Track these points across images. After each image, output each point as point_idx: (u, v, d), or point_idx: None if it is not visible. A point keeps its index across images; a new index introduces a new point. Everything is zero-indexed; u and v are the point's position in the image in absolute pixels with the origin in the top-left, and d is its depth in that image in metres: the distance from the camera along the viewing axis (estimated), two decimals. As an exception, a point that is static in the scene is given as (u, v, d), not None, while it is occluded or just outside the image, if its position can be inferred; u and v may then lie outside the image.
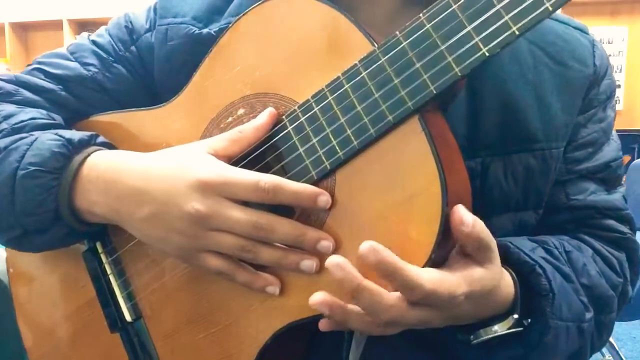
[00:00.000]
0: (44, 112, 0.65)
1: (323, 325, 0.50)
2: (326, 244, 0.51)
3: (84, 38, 0.72)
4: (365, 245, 0.45)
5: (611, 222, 0.66)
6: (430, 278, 0.46)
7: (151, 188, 0.54)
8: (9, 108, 0.65)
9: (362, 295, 0.46)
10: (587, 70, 0.64)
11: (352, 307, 0.48)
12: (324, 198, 0.51)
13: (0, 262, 0.92)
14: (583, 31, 0.67)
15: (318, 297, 0.47)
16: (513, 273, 0.56)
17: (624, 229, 0.67)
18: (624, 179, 0.69)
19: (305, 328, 0.55)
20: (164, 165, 0.55)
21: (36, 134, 0.61)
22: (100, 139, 0.63)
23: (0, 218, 0.61)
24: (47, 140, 0.59)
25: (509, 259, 0.57)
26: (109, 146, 0.63)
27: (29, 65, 0.71)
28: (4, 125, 0.62)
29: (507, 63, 0.61)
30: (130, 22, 0.70)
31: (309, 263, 0.52)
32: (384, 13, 0.64)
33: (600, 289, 0.62)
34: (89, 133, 0.62)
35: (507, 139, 0.61)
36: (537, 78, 0.62)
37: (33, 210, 0.59)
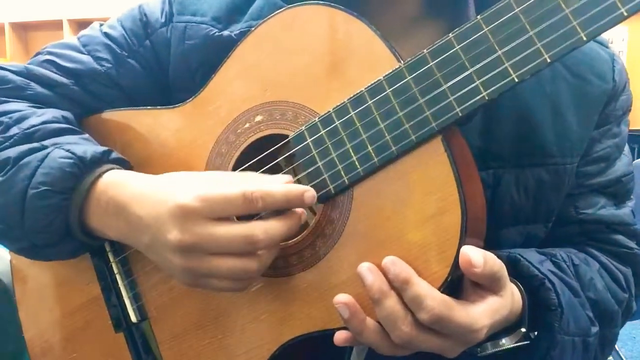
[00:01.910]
0: (57, 113, 0.63)
1: (339, 339, 0.50)
2: (310, 194, 0.51)
3: (95, 29, 0.70)
4: (388, 259, 0.47)
5: (619, 237, 0.67)
6: (443, 302, 0.46)
7: (144, 216, 0.52)
8: (21, 107, 0.63)
9: (387, 302, 0.47)
10: (606, 86, 0.64)
11: (369, 319, 0.49)
12: (310, 194, 0.51)
13: (0, 262, 0.91)
14: (603, 44, 0.66)
15: (342, 298, 0.49)
16: (521, 286, 0.56)
17: (631, 244, 0.67)
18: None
19: (312, 341, 0.55)
20: (152, 191, 0.53)
21: (49, 146, 0.59)
22: (114, 154, 0.60)
23: (10, 231, 0.60)
24: (59, 157, 0.57)
25: (518, 272, 0.57)
26: (122, 162, 0.61)
27: (39, 53, 0.69)
28: (15, 129, 0.60)
29: None
30: (145, 15, 0.68)
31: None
32: (403, 21, 0.63)
33: (606, 303, 0.63)
34: (101, 149, 0.59)
35: (521, 152, 0.61)
36: (555, 91, 0.62)
37: (42, 228, 0.57)
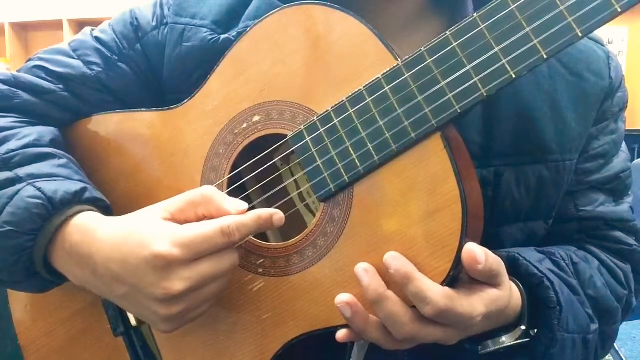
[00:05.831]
0: (42, 133, 0.61)
1: (341, 336, 0.51)
2: (278, 216, 0.52)
3: (86, 34, 0.69)
4: (389, 254, 0.48)
5: (618, 234, 0.67)
6: (445, 295, 0.47)
7: (117, 269, 0.51)
8: (6, 125, 0.61)
9: (385, 304, 0.48)
10: (602, 83, 0.64)
11: (372, 317, 0.49)
12: (278, 217, 0.52)
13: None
14: (599, 42, 0.67)
15: (344, 297, 0.49)
16: (520, 285, 0.56)
17: (631, 240, 0.68)
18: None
19: (313, 339, 0.55)
20: (121, 241, 0.51)
21: (23, 177, 0.56)
22: (88, 194, 0.57)
23: None
24: (27, 197, 0.55)
25: (517, 271, 0.57)
26: (98, 201, 0.58)
27: (30, 60, 0.68)
28: None
29: None
30: (136, 19, 0.68)
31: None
32: (401, 20, 0.63)
33: (606, 300, 0.63)
34: (74, 189, 0.56)
35: (521, 149, 0.61)
36: (553, 88, 0.62)
37: (8, 267, 0.56)
